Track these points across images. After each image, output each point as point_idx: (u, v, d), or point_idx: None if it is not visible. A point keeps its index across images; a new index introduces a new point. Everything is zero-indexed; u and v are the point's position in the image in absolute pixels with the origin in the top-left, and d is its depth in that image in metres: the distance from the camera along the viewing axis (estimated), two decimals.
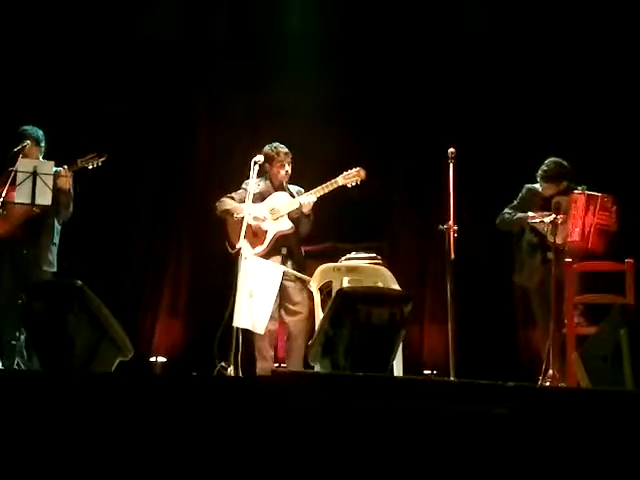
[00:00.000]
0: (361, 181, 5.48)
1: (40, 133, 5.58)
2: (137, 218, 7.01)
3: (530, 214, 5.48)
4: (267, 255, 5.45)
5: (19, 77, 6.63)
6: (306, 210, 5.46)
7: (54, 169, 5.46)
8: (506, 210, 5.64)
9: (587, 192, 5.32)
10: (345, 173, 5.47)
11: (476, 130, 6.53)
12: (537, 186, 5.59)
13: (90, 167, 5.49)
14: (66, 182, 5.41)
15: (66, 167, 5.43)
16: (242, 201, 5.51)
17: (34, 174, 5.22)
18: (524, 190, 5.64)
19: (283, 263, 5.45)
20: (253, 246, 5.47)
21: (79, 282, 4.17)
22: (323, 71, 6.88)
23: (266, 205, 5.55)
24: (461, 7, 6.85)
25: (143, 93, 6.83)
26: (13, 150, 5.31)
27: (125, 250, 6.89)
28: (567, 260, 5.17)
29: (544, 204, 5.46)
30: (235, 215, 5.44)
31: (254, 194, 5.47)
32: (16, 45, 6.68)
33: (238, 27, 7.05)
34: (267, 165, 5.55)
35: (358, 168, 5.48)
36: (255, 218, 5.48)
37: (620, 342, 3.48)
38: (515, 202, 5.64)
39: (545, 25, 6.61)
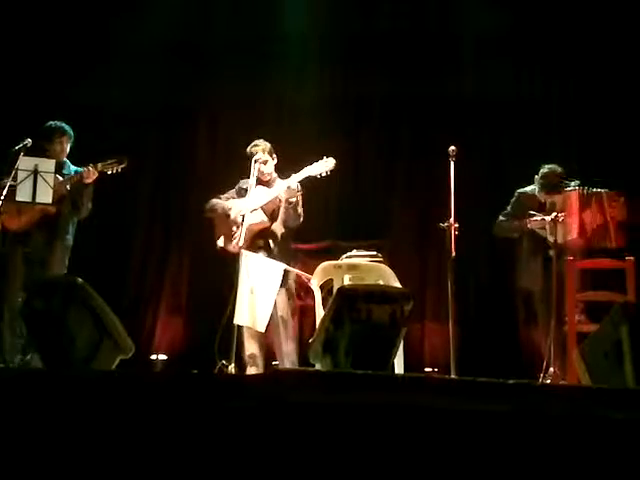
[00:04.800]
0: (330, 171, 5.35)
1: (72, 131, 5.63)
2: (138, 216, 7.02)
3: (528, 218, 5.46)
4: (246, 249, 5.37)
5: (16, 74, 6.65)
6: (287, 195, 5.38)
7: (75, 169, 5.51)
8: (501, 218, 5.62)
9: (581, 189, 5.31)
10: (315, 163, 5.39)
11: (476, 130, 6.54)
12: (529, 189, 5.57)
13: (109, 173, 5.50)
14: (93, 174, 5.43)
15: (92, 165, 5.44)
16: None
17: (35, 172, 5.23)
18: (516, 195, 5.63)
19: None
20: (231, 240, 5.47)
21: (80, 280, 4.17)
22: (324, 70, 6.89)
23: (244, 200, 5.54)
24: (462, 8, 6.85)
25: (143, 92, 6.83)
26: (14, 149, 5.30)
27: (126, 248, 6.91)
28: (568, 258, 5.18)
29: (540, 207, 5.45)
30: (236, 214, 5.45)
31: (241, 190, 5.59)
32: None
33: (238, 26, 7.05)
34: (249, 164, 5.60)
35: (327, 158, 5.37)
36: (235, 212, 5.52)
37: (621, 339, 3.48)
38: (508, 209, 5.62)
39: (544, 24, 6.62)
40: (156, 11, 6.86)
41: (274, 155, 5.62)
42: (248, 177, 5.64)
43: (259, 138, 5.70)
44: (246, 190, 5.61)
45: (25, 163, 5.25)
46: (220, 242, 5.53)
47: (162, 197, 7.05)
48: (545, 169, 5.49)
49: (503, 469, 2.23)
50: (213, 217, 5.63)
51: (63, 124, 5.63)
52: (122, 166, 5.51)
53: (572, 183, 5.40)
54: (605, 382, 3.49)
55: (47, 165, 5.32)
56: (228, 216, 5.54)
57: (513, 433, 2.27)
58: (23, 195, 5.24)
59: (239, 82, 6.94)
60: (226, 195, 5.69)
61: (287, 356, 5.36)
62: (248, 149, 5.61)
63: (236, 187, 5.71)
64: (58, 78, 6.70)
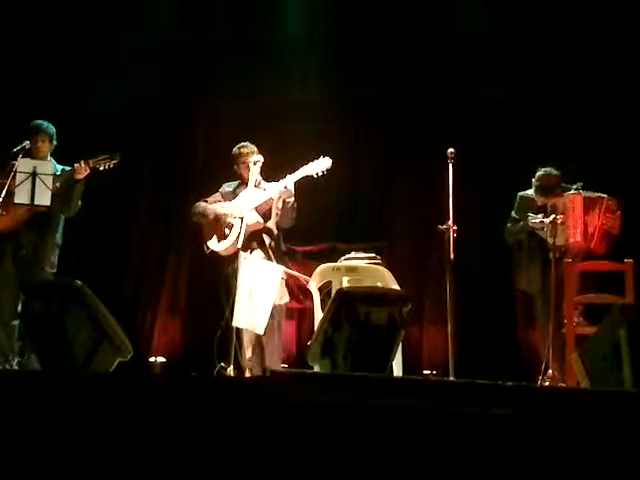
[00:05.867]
0: (327, 170, 5.33)
1: (54, 130, 5.56)
2: (136, 218, 7.01)
3: (530, 217, 5.46)
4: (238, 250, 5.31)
5: (15, 74, 6.65)
6: (285, 196, 5.36)
7: (62, 167, 5.49)
8: (508, 224, 5.63)
9: (584, 192, 5.31)
10: (311, 163, 5.37)
11: (475, 132, 6.54)
12: (530, 192, 5.58)
13: (101, 169, 5.45)
14: (84, 171, 5.39)
15: (83, 161, 5.41)
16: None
17: (33, 174, 5.21)
18: (518, 199, 5.63)
19: None
20: (222, 241, 5.46)
21: (78, 282, 4.17)
22: (323, 71, 6.88)
23: (236, 202, 5.53)
24: (460, 9, 6.86)
25: (142, 92, 6.82)
26: (13, 150, 5.28)
27: (124, 250, 6.89)
28: (567, 260, 5.18)
29: (540, 209, 5.45)
30: (236, 216, 5.44)
31: (227, 193, 5.58)
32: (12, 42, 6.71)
33: (238, 26, 7.06)
34: (235, 166, 5.59)
35: (323, 158, 5.36)
36: (228, 215, 5.49)
37: (619, 342, 3.48)
38: (513, 213, 5.62)
39: (544, 25, 6.63)
40: (156, 11, 6.86)
41: None
42: (234, 180, 5.64)
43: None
44: (232, 193, 5.60)
45: (24, 165, 5.23)
46: (212, 245, 5.50)
47: (161, 198, 7.04)
48: (540, 172, 5.49)
49: (502, 471, 2.23)
50: (202, 221, 5.59)
51: (40, 122, 5.50)
52: (114, 162, 5.43)
53: (574, 186, 5.40)
54: (604, 384, 3.49)
55: (45, 167, 5.30)
56: (219, 219, 5.51)
57: (512, 435, 2.27)
58: (21, 197, 5.22)
59: (239, 82, 6.93)
60: (211, 199, 5.65)
61: (279, 358, 5.38)
62: (238, 150, 5.58)
63: (221, 190, 5.69)
64: (57, 78, 6.69)
